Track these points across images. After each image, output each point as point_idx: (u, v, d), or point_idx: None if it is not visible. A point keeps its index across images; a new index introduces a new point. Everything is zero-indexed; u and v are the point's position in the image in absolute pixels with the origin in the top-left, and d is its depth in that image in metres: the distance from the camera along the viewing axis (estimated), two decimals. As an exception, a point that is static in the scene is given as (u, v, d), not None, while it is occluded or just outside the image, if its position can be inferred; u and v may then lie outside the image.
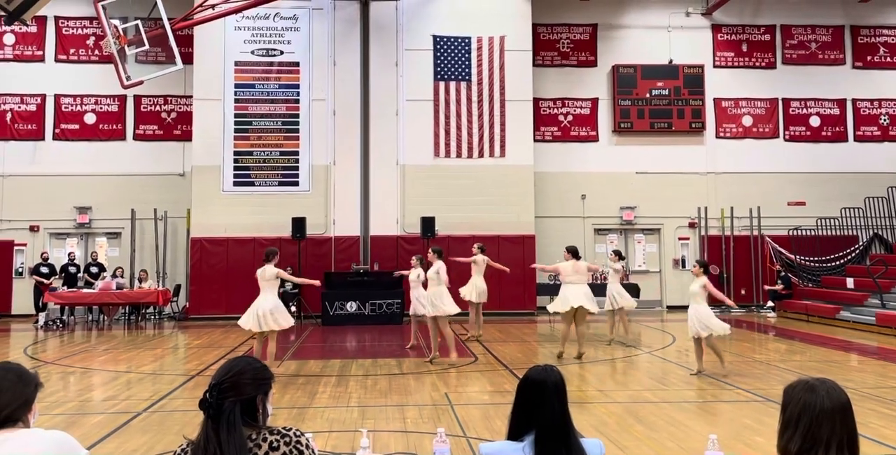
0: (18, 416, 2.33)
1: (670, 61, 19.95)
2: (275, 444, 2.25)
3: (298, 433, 2.31)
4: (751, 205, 19.61)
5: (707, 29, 20.49)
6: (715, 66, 20.33)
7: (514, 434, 2.66)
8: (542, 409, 2.61)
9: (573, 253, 11.16)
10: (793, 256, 19.02)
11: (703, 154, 19.98)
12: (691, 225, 19.87)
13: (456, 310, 10.53)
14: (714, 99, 20.15)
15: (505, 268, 13.84)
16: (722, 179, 19.89)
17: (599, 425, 6.59)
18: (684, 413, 7.21)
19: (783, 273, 18.69)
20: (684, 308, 19.14)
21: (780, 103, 20.35)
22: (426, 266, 11.17)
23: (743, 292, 19.48)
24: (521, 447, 2.58)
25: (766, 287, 18.78)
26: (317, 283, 10.72)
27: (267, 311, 9.45)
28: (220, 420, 2.19)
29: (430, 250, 11.31)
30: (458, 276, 13.72)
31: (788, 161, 20.05)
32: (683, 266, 19.72)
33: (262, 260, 9.82)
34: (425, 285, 10.94)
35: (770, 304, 18.27)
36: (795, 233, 19.13)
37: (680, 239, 19.90)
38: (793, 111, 20.40)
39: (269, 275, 9.63)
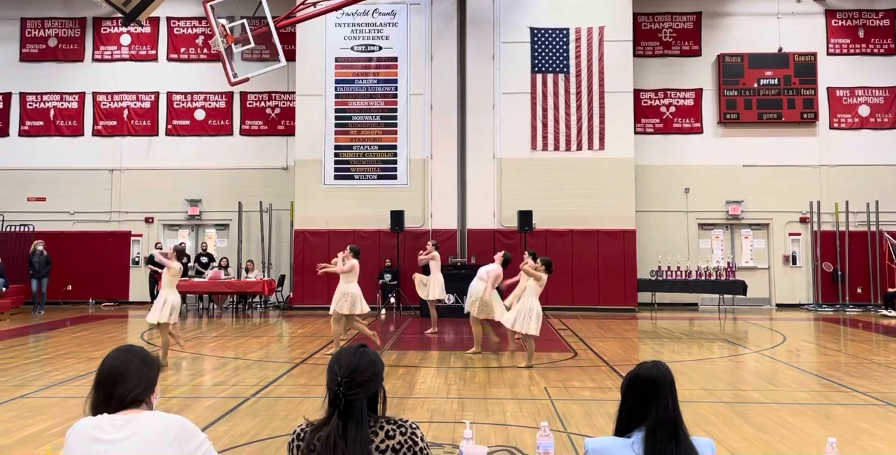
0: (143, 397, 2.43)
1: (780, 49, 19.10)
2: (391, 432, 2.31)
3: (415, 425, 2.37)
4: (868, 199, 18.57)
5: (820, 15, 19.51)
6: (829, 54, 19.35)
7: (622, 430, 2.58)
8: (654, 406, 2.53)
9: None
10: (915, 254, 17.91)
11: (816, 146, 19.07)
12: (802, 220, 19.00)
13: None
14: (828, 88, 19.18)
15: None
16: (836, 172, 18.93)
17: (706, 425, 6.37)
18: (796, 415, 6.89)
19: (903, 271, 17.62)
20: (794, 306, 18.56)
21: (901, 92, 19.20)
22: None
23: (859, 291, 18.54)
24: (629, 443, 2.51)
25: (890, 290, 17.66)
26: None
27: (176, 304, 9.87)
28: (350, 417, 2.27)
29: (347, 248, 11.25)
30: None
31: (910, 153, 18.90)
32: (794, 263, 18.93)
33: (172, 257, 10.12)
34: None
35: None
36: (918, 229, 18.02)
37: (790, 234, 19.06)
38: (915, 100, 19.20)
39: (176, 271, 10.04)
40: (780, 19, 19.26)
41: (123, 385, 2.39)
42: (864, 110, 19.26)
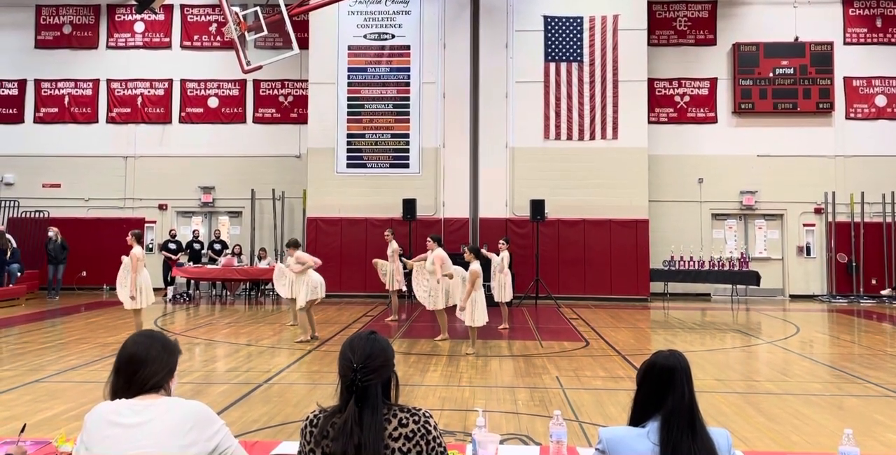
0: (162, 382, 2.44)
1: (796, 38, 18.91)
2: (404, 420, 2.31)
3: (428, 414, 2.36)
4: (883, 190, 18.43)
5: (837, 4, 19.29)
6: (845, 43, 19.15)
7: (637, 420, 2.57)
8: (670, 395, 2.50)
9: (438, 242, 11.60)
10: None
11: (832, 136, 18.91)
12: (817, 211, 18.88)
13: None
14: (844, 78, 18.99)
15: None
16: (852, 163, 18.77)
17: (718, 415, 6.36)
18: (810, 406, 6.87)
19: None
20: (808, 297, 18.48)
21: (919, 82, 18.99)
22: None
23: (874, 282, 18.44)
24: (644, 433, 2.49)
25: None
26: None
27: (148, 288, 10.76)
28: (365, 403, 2.28)
29: (288, 245, 11.49)
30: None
31: (926, 143, 18.71)
32: (808, 253, 18.83)
33: (134, 242, 11.20)
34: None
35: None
36: (933, 220, 17.86)
37: (805, 225, 18.95)
38: (932, 90, 18.99)
39: (142, 255, 10.91)
40: (796, 8, 19.07)
41: (143, 370, 2.41)
42: (880, 100, 19.07)
